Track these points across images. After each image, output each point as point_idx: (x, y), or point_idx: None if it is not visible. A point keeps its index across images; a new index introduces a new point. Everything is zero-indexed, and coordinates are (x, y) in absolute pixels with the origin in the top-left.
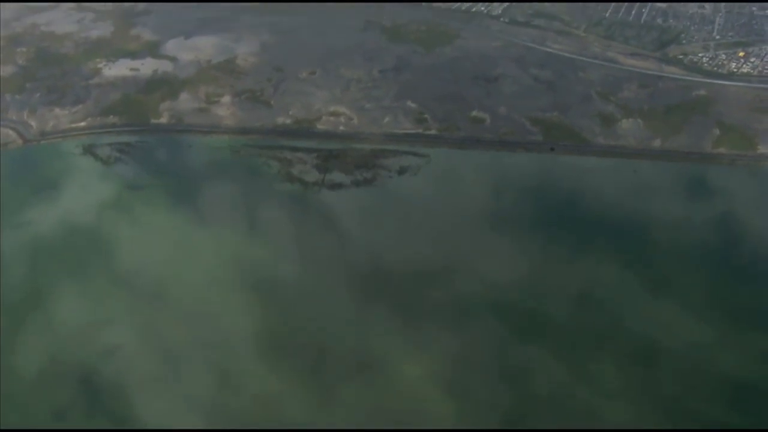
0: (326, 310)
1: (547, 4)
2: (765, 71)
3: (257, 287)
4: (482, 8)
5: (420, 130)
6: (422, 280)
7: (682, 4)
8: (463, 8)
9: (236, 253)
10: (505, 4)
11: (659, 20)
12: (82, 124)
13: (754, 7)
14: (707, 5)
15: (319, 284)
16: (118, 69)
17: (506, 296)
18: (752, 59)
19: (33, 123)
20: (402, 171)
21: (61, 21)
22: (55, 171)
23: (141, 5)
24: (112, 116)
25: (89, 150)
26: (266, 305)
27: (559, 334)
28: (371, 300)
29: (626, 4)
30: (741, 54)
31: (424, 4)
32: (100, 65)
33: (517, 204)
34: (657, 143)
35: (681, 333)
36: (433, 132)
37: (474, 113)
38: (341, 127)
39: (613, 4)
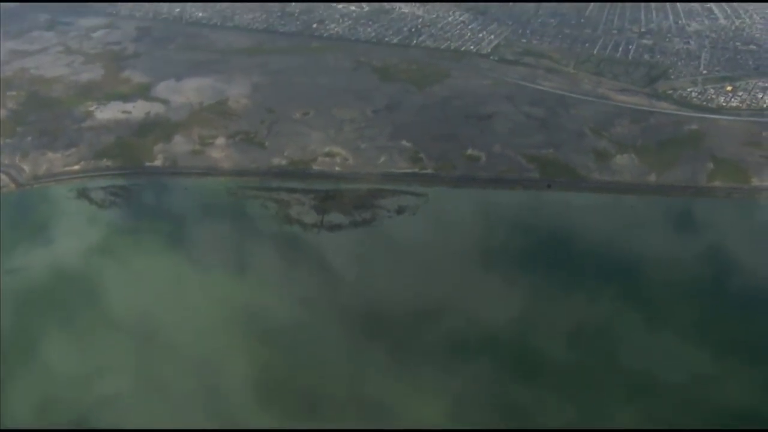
0: (328, 354)
1: (534, 42)
2: (754, 105)
3: (258, 331)
4: (471, 47)
5: (416, 170)
6: (426, 322)
7: (667, 40)
8: (452, 47)
9: (236, 296)
10: (494, 43)
11: (646, 56)
12: (76, 167)
13: (738, 42)
14: (692, 41)
15: (322, 327)
16: (109, 112)
17: (510, 336)
18: (740, 93)
19: (26, 167)
20: (400, 211)
21: (50, 65)
22: (49, 215)
23: (130, 48)
24: (105, 159)
25: (84, 194)
26: (266, 349)
27: (566, 372)
28: (375, 342)
29: (613, 41)
30: (729, 88)
31: (413, 44)
32: (91, 108)
33: (518, 242)
34: (652, 178)
35: (680, 366)
36: (429, 171)
37: (469, 151)
38: (337, 168)
39: (600, 41)
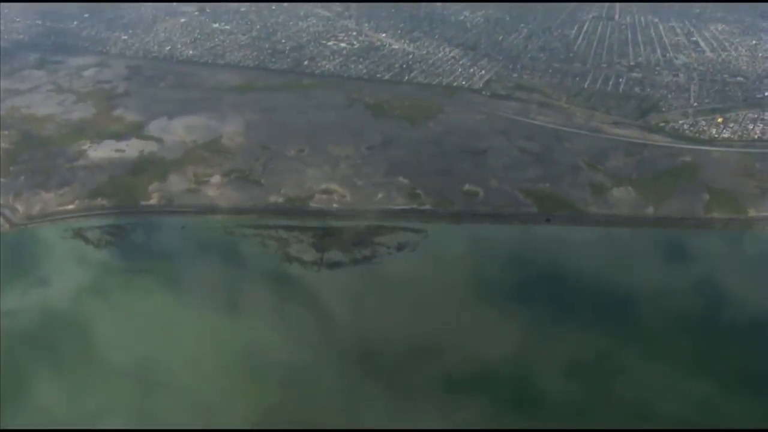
0: (330, 393)
1: (525, 77)
2: (745, 136)
3: (260, 372)
4: (463, 83)
5: (414, 206)
6: (432, 360)
7: (656, 73)
8: (444, 83)
9: (239, 336)
10: (485, 78)
11: (637, 89)
12: (70, 207)
13: (725, 74)
14: (680, 74)
15: (326, 367)
16: (103, 151)
17: (516, 374)
18: (731, 124)
19: (19, 207)
20: (400, 247)
21: (41, 103)
22: (44, 256)
23: (121, 87)
24: (100, 198)
25: (79, 234)
26: (267, 390)
27: (573, 410)
28: (379, 380)
29: (603, 75)
30: (719, 120)
31: (405, 80)
32: (84, 147)
33: (522, 279)
34: (650, 210)
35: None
36: (427, 207)
37: (466, 187)
38: (334, 205)
39: (590, 75)
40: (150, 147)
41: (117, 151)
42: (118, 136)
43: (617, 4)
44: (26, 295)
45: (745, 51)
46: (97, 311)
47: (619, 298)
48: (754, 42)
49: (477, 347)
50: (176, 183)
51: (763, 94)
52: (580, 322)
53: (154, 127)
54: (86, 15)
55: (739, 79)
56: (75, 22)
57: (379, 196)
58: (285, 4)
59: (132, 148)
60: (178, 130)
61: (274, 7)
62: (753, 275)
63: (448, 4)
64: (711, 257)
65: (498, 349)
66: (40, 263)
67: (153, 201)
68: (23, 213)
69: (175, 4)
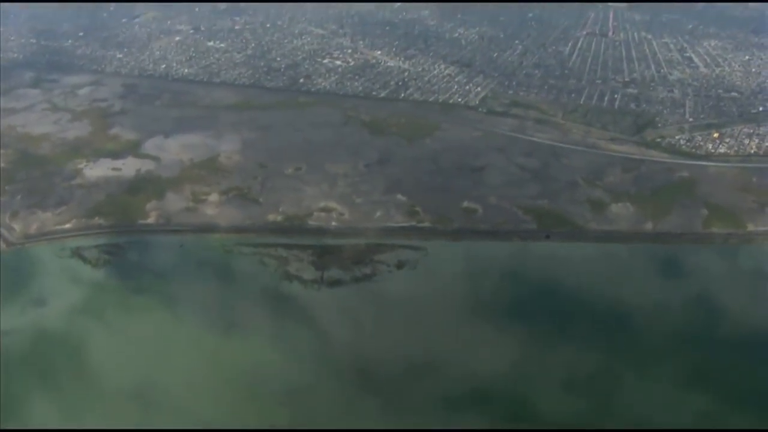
0: (334, 413)
1: (521, 94)
2: (741, 151)
3: (262, 392)
4: (459, 100)
5: (413, 223)
6: (436, 379)
7: (651, 89)
8: (440, 100)
9: (240, 356)
10: (481, 95)
11: (632, 105)
12: (67, 226)
13: (720, 89)
14: (675, 90)
15: (329, 386)
16: (99, 169)
17: (517, 391)
18: (727, 139)
19: (16, 226)
20: (400, 265)
21: (37, 122)
22: (41, 275)
23: (117, 105)
24: (97, 217)
25: (77, 253)
26: (271, 410)
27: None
28: (385, 399)
29: (599, 91)
30: (715, 135)
31: (401, 97)
32: (80, 166)
33: (524, 296)
34: (649, 226)
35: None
36: (426, 224)
37: (465, 204)
38: (333, 223)
39: (585, 91)
40: (147, 165)
41: (114, 169)
42: (115, 155)
43: (611, 22)
44: (24, 315)
45: (738, 66)
46: (95, 332)
47: (623, 315)
48: (746, 57)
49: (480, 366)
50: (174, 201)
51: (758, 109)
52: (583, 341)
53: (150, 146)
54: (81, 33)
55: (734, 94)
56: (69, 41)
57: (378, 213)
58: (279, 22)
59: (129, 167)
60: (174, 149)
61: (268, 25)
62: (756, 291)
63: (442, 22)
64: (714, 273)
65: (500, 368)
66: (37, 283)
67: (151, 220)
68: (20, 232)
69: (169, 22)
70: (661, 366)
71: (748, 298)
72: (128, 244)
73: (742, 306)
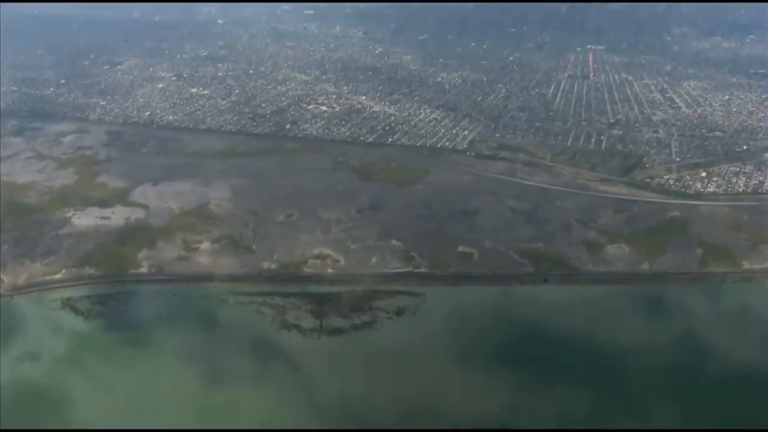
0: None
1: (508, 136)
2: (730, 189)
3: None
4: (447, 144)
5: (410, 269)
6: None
7: (636, 129)
8: (428, 144)
9: (244, 409)
10: (468, 139)
11: (619, 146)
12: (57, 276)
13: (703, 129)
14: (660, 130)
15: None
16: (88, 218)
17: None
18: (715, 178)
19: (4, 277)
20: (400, 312)
21: (21, 171)
22: (32, 328)
23: (102, 153)
24: (88, 267)
25: (68, 304)
26: None
27: None
28: None
29: (585, 133)
30: (703, 174)
31: (388, 142)
32: (68, 214)
33: (530, 343)
34: (645, 267)
35: None
36: (423, 270)
37: (461, 248)
38: (329, 270)
39: (572, 133)
40: (136, 214)
41: (102, 218)
42: (103, 203)
43: (591, 64)
44: (15, 370)
45: (719, 106)
46: (89, 386)
47: (633, 361)
48: (726, 97)
49: (488, 416)
50: (166, 250)
51: (742, 147)
52: (592, 388)
53: (138, 194)
54: (63, 81)
55: (717, 133)
56: (51, 89)
57: (374, 259)
58: (261, 68)
59: (118, 216)
60: (163, 197)
61: (251, 72)
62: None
63: (425, 67)
64: (719, 313)
65: (508, 418)
66: (28, 336)
67: (143, 269)
68: (9, 284)
69: (151, 69)
70: (671, 412)
71: (758, 339)
72: (121, 294)
73: (750, 347)
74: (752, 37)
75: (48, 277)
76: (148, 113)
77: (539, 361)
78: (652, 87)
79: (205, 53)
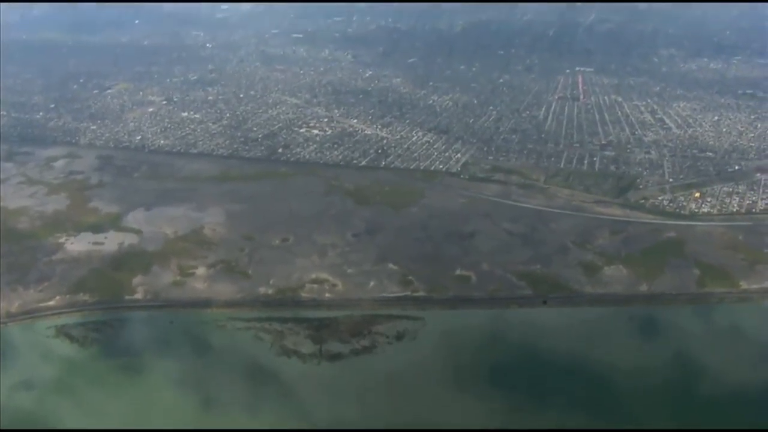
0: None
1: (501, 159)
2: (724, 209)
3: None
4: (440, 166)
5: (408, 293)
6: None
7: (628, 151)
8: (422, 167)
9: None
10: (462, 161)
11: (612, 167)
12: (51, 303)
13: (695, 150)
14: (652, 151)
15: None
16: (81, 244)
17: None
18: (708, 199)
19: None
20: (399, 336)
21: (12, 196)
22: (26, 356)
23: (94, 178)
24: (82, 294)
25: (62, 331)
26: None
27: None
28: None
29: (577, 154)
30: (697, 194)
31: (382, 165)
32: (61, 240)
33: (529, 365)
34: (644, 288)
35: None
36: (421, 294)
37: (458, 271)
38: (327, 294)
39: (564, 155)
40: (130, 239)
41: (95, 243)
42: (96, 229)
43: (581, 86)
44: (10, 398)
45: (709, 127)
46: (85, 415)
47: (636, 382)
48: (716, 118)
49: None
50: (160, 276)
51: (734, 167)
52: (593, 412)
53: (132, 219)
54: (52, 106)
55: (709, 154)
56: (41, 113)
57: (372, 284)
58: (252, 92)
59: (111, 241)
60: (157, 222)
61: (242, 96)
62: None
63: (415, 90)
64: (719, 334)
65: None
66: (22, 364)
67: (138, 295)
68: (2, 311)
69: (141, 93)
70: None
71: (758, 360)
72: (116, 321)
73: (751, 368)
74: (738, 58)
75: (42, 304)
76: (139, 137)
77: (542, 384)
78: (642, 108)
79: (195, 77)
